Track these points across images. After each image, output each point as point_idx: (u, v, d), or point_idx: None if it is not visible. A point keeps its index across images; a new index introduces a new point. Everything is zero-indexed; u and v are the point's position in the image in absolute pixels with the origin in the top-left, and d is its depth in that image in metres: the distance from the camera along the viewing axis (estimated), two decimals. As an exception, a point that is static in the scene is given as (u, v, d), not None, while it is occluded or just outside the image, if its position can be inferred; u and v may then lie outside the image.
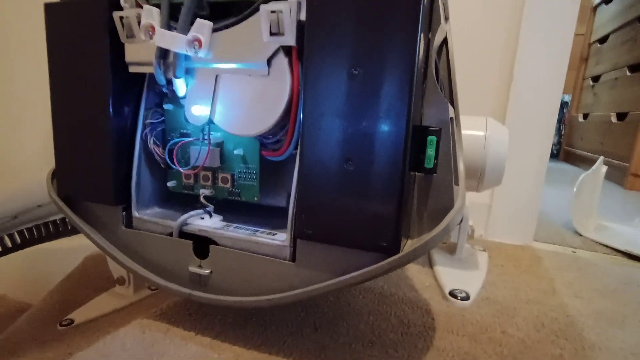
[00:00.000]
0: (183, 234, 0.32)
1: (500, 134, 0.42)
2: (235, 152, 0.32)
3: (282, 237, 0.30)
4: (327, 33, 0.24)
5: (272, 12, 0.25)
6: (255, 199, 0.33)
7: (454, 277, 0.46)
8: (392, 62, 0.23)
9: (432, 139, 0.25)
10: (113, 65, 0.31)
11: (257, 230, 0.31)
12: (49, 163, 0.36)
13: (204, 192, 0.34)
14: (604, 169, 0.74)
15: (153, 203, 0.36)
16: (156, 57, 0.29)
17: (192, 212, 0.32)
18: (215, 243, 0.31)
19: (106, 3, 0.30)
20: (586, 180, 0.70)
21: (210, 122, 0.30)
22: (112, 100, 0.32)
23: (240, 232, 0.31)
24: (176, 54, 0.28)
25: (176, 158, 0.33)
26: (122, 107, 0.32)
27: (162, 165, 0.35)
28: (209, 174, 0.34)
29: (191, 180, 0.35)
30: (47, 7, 0.32)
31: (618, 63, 1.42)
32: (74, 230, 0.62)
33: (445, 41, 0.29)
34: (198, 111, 0.30)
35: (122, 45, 0.31)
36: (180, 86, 0.29)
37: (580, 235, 0.68)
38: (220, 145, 0.33)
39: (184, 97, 0.30)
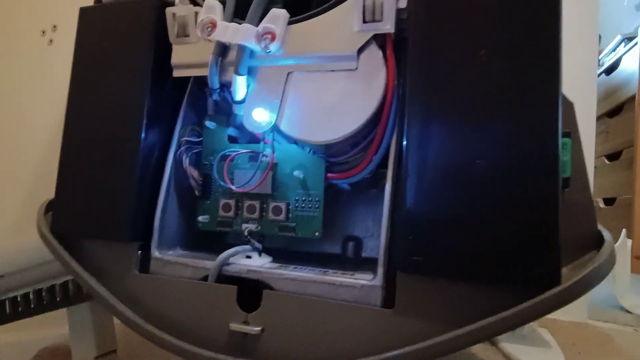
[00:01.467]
0: (222, 279, 0.24)
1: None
2: (295, 173, 0.26)
3: (366, 277, 0.22)
4: (451, 14, 0.20)
5: (369, -4, 0.22)
6: (317, 234, 0.26)
7: (532, 357, 0.38)
8: (534, 45, 0.19)
9: (566, 141, 0.20)
10: (154, 71, 0.26)
11: (327, 271, 0.24)
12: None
13: (247, 227, 0.27)
14: (629, 242, 0.72)
15: (176, 243, 0.28)
16: (214, 54, 0.24)
17: (236, 248, 0.25)
18: (269, 288, 0.23)
19: (158, 1, 0.26)
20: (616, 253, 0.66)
21: (274, 129, 0.24)
22: (147, 111, 0.26)
23: (305, 273, 0.23)
24: (240, 50, 0.24)
25: (227, 174, 0.26)
26: (156, 121, 0.27)
27: (197, 193, 0.28)
28: (256, 203, 0.27)
29: (231, 213, 0.27)
30: (83, 11, 0.28)
31: (595, 153, 1.52)
32: (35, 310, 0.49)
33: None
34: (260, 116, 0.24)
35: (167, 48, 0.26)
36: (241, 87, 0.24)
37: (629, 312, 0.62)
38: (272, 168, 0.27)
39: (241, 102, 0.25)
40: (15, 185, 0.35)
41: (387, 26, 0.22)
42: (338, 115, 0.23)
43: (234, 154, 0.26)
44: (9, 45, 0.50)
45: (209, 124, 0.28)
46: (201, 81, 0.29)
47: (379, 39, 0.23)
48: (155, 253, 0.25)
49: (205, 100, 0.30)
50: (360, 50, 0.23)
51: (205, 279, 0.24)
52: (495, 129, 0.19)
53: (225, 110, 0.29)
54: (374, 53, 0.23)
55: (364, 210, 0.32)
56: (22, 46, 0.52)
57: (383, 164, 0.27)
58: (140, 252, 0.25)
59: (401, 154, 0.22)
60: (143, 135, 0.26)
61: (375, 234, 0.30)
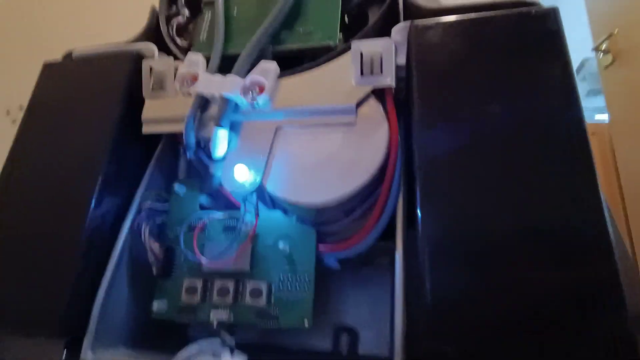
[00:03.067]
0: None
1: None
2: (280, 245, 0.22)
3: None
4: (444, 70, 0.19)
5: (367, 51, 0.20)
6: (306, 322, 0.21)
7: None
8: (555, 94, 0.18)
9: None
10: (119, 128, 0.23)
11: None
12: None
13: (218, 315, 0.21)
14: None
15: (120, 338, 0.21)
16: (192, 107, 0.21)
17: (199, 344, 0.19)
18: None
19: (135, 54, 0.24)
20: None
21: (258, 191, 0.21)
22: (105, 172, 0.22)
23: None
24: (223, 102, 0.21)
25: (197, 245, 0.21)
26: (115, 186, 0.22)
27: (155, 271, 0.22)
28: (230, 284, 0.22)
29: (196, 298, 0.22)
30: (47, 66, 0.25)
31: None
32: None
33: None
34: (243, 174, 0.20)
35: (138, 105, 0.23)
36: (222, 141, 0.21)
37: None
38: (252, 239, 0.22)
39: (220, 160, 0.21)
40: None
41: (387, 80, 0.20)
42: (335, 174, 0.20)
43: (207, 218, 0.21)
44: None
45: (178, 188, 0.24)
46: (173, 142, 0.26)
47: (378, 95, 0.21)
48: (88, 355, 0.19)
49: (176, 163, 0.26)
50: (359, 105, 0.20)
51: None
52: (533, 191, 0.16)
53: (199, 174, 0.25)
54: (374, 107, 0.21)
55: (357, 295, 0.27)
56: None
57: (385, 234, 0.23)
58: (66, 351, 0.19)
59: (411, 220, 0.19)
60: (94, 201, 0.21)
61: (373, 324, 0.25)
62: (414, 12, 0.22)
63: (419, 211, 0.17)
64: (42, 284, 0.19)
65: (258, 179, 0.20)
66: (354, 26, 0.23)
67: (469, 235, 0.16)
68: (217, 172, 0.22)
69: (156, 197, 0.24)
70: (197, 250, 0.21)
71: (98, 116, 0.23)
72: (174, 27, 0.25)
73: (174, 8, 0.26)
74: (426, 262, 0.16)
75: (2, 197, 0.22)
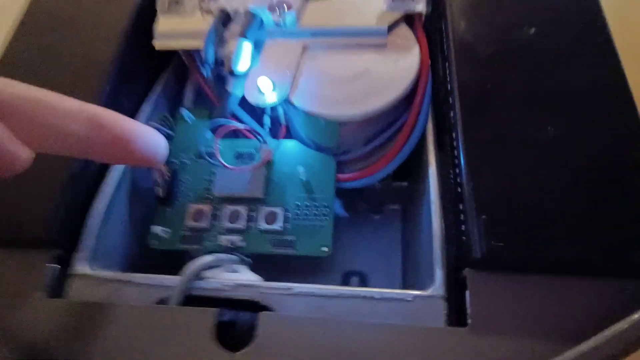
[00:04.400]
0: (190, 302, 0.15)
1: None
2: (299, 170, 0.20)
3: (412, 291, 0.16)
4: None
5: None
6: (326, 249, 0.19)
7: None
8: None
9: None
10: (128, 36, 0.21)
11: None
12: None
13: (230, 239, 0.19)
14: None
15: (116, 263, 0.19)
16: (215, 20, 0.20)
17: (218, 255, 0.17)
18: (266, 310, 0.15)
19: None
20: None
21: (283, 103, 0.19)
22: (109, 82, 0.20)
23: (318, 288, 0.16)
24: (249, 16, 0.20)
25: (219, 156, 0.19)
26: (117, 100, 0.20)
27: (161, 193, 0.20)
28: (242, 210, 0.20)
29: (204, 223, 0.20)
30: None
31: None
32: None
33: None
34: (267, 86, 0.19)
35: (149, 16, 0.22)
36: (245, 54, 0.20)
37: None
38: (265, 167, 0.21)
39: (242, 75, 0.20)
40: None
41: (420, 6, 0.20)
42: (365, 89, 0.19)
43: (232, 127, 0.20)
44: None
45: (185, 114, 0.22)
46: (182, 67, 0.24)
47: (407, 20, 0.21)
48: (84, 267, 0.16)
49: (181, 92, 0.25)
50: (390, 29, 0.20)
51: (162, 302, 0.15)
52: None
53: (207, 104, 0.24)
54: (405, 31, 0.20)
55: (365, 243, 0.26)
56: None
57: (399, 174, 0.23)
58: (55, 264, 0.16)
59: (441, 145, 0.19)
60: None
61: (382, 268, 0.24)
62: None
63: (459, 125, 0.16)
64: (35, 193, 0.17)
65: (284, 92, 0.19)
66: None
67: (510, 142, 0.16)
68: (237, 89, 0.20)
69: (161, 122, 0.22)
70: (219, 157, 0.19)
71: (104, 27, 0.21)
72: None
73: None
74: (467, 166, 0.16)
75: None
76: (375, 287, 0.23)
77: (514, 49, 0.18)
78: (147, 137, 0.14)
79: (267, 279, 0.17)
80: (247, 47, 0.20)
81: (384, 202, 0.25)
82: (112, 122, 0.14)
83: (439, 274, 0.15)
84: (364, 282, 0.24)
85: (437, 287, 0.15)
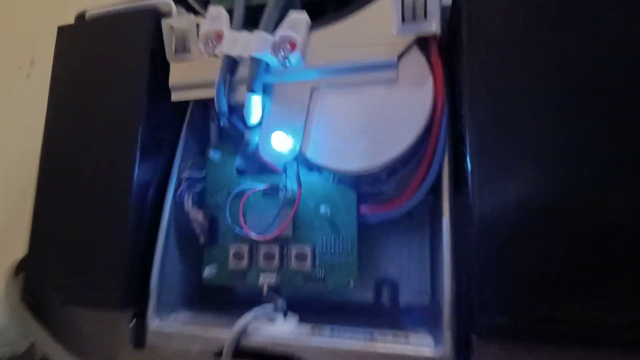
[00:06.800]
0: (240, 353, 0.19)
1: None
2: (322, 210, 0.21)
3: (425, 340, 0.17)
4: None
5: (408, -8, 0.18)
6: (351, 282, 0.21)
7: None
8: None
9: None
10: (150, 95, 0.22)
11: (373, 332, 0.18)
12: None
13: (267, 278, 0.22)
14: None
15: (179, 305, 0.22)
16: (221, 71, 0.20)
17: (255, 311, 0.19)
18: (301, 362, 0.18)
19: (150, 12, 0.22)
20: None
21: (298, 158, 0.20)
22: (141, 143, 0.21)
23: (347, 339, 0.18)
24: (254, 63, 0.20)
25: (242, 217, 0.21)
26: (152, 155, 0.22)
27: (202, 241, 0.23)
28: (275, 248, 0.22)
29: (244, 263, 0.22)
30: (62, 30, 0.24)
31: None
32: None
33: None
34: (281, 143, 0.20)
35: (164, 68, 0.22)
36: (255, 107, 0.20)
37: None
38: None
39: (255, 126, 0.21)
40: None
41: (433, 27, 0.18)
42: (378, 137, 0.19)
43: (250, 191, 0.21)
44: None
45: (213, 154, 0.24)
46: (203, 105, 0.25)
47: (420, 43, 0.19)
48: (155, 322, 0.20)
49: (207, 127, 0.26)
50: (400, 57, 0.19)
51: (220, 353, 0.19)
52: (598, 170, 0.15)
53: (231, 137, 0.25)
54: (418, 59, 0.18)
55: (396, 247, 0.27)
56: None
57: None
58: (135, 320, 0.20)
59: (458, 176, 0.18)
60: (136, 173, 0.21)
61: (413, 274, 0.26)
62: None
63: (469, 180, 0.16)
64: (99, 259, 0.20)
65: (297, 147, 0.19)
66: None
67: (520, 206, 0.15)
68: (253, 138, 0.21)
69: (192, 166, 0.24)
70: (244, 225, 0.21)
71: (126, 83, 0.22)
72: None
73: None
74: (476, 219, 0.15)
75: (47, 174, 0.23)
76: (405, 296, 0.25)
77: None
78: None
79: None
80: (256, 100, 0.20)
81: (411, 211, 0.26)
82: None
83: (447, 337, 0.16)
84: (395, 292, 0.25)
85: (444, 348, 0.16)
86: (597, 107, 0.15)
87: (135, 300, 0.20)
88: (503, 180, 0.15)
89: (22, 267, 0.22)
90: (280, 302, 0.20)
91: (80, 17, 0.25)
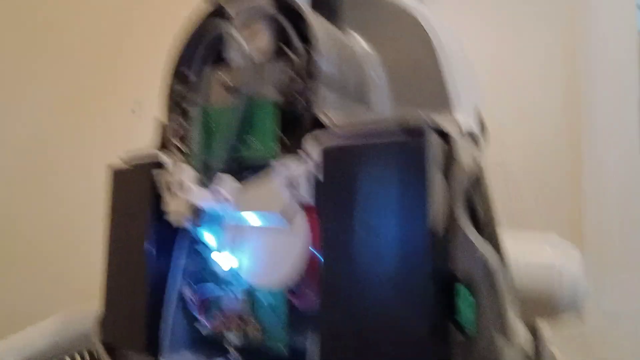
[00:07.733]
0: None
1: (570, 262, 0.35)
2: (266, 302, 0.31)
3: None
4: (339, 192, 0.23)
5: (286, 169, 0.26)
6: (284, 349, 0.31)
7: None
8: (405, 214, 0.21)
9: (462, 290, 0.22)
10: (153, 215, 0.33)
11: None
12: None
13: (232, 340, 0.32)
14: None
15: (184, 346, 0.35)
16: (188, 209, 0.30)
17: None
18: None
19: (148, 167, 0.33)
20: None
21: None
22: (150, 249, 0.33)
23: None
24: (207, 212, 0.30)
25: (205, 313, 0.33)
26: (159, 255, 0.34)
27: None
28: (241, 321, 0.32)
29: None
30: (116, 173, 0.36)
31: None
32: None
33: (478, 178, 0.27)
34: (225, 262, 0.30)
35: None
36: (208, 237, 0.30)
37: None
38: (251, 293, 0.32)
39: (215, 249, 0.31)
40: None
41: (305, 196, 0.25)
42: (278, 266, 0.27)
43: (205, 298, 0.32)
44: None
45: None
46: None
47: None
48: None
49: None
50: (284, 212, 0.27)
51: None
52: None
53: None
54: (299, 217, 0.26)
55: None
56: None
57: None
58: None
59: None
60: (148, 264, 0.33)
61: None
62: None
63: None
64: (132, 316, 0.33)
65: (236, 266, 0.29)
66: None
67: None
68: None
69: (190, 255, 0.35)
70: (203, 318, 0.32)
71: (139, 225, 0.34)
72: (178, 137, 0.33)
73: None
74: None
75: (109, 263, 0.36)
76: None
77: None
78: None
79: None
80: (206, 233, 0.30)
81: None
82: None
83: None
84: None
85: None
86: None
87: (153, 345, 0.33)
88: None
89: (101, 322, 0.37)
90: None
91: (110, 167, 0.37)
